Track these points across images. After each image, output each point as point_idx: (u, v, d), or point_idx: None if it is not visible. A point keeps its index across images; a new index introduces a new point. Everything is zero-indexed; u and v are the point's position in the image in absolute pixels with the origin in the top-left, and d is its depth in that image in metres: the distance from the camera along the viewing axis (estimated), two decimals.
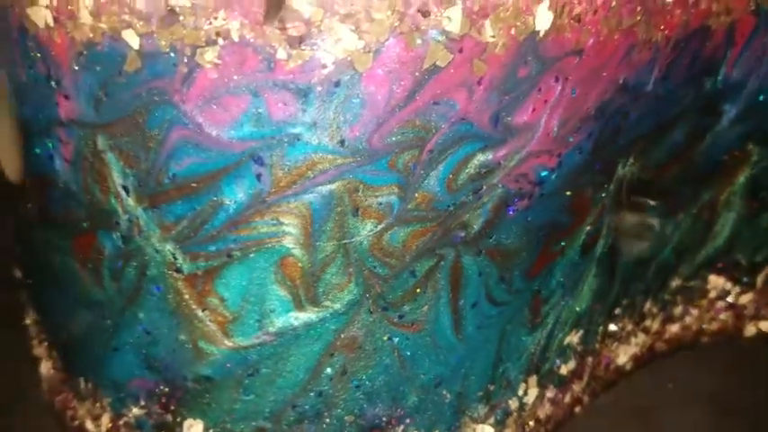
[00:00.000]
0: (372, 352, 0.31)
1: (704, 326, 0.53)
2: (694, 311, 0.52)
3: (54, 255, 0.32)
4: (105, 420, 0.35)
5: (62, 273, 0.32)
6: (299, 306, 0.29)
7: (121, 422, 0.34)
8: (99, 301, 0.31)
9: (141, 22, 0.23)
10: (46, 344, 0.40)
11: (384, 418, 0.33)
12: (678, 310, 0.52)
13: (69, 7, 0.24)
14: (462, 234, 0.29)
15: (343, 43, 0.23)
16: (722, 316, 0.53)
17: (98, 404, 0.35)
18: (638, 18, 0.30)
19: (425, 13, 0.23)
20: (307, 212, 0.26)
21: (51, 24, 0.25)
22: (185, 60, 0.23)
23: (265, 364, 0.30)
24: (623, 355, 0.49)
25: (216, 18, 0.22)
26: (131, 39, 0.23)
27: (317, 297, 0.29)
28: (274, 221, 0.27)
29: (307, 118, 0.24)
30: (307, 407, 0.31)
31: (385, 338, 0.30)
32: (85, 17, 0.24)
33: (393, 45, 0.23)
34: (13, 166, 0.37)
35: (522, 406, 0.39)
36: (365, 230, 0.27)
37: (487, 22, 0.24)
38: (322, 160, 0.25)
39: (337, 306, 0.29)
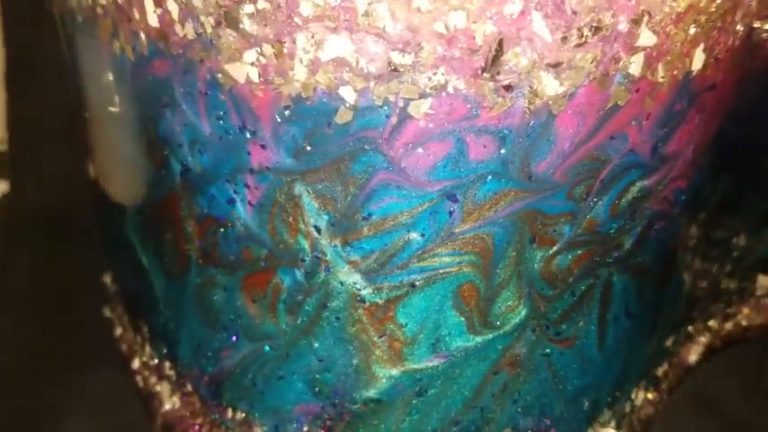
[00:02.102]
0: (531, 368, 0.33)
1: (751, 322, 0.57)
2: (745, 309, 0.56)
3: (215, 293, 0.34)
4: None
5: (222, 310, 0.34)
6: (472, 329, 0.31)
7: None
8: (268, 334, 0.33)
9: (359, 79, 0.25)
10: (173, 378, 0.41)
11: (532, 429, 0.35)
12: (733, 309, 0.56)
13: (282, 65, 0.26)
14: (616, 254, 0.32)
15: (546, 89, 0.25)
16: (765, 312, 0.57)
17: None
18: (747, 54, 0.33)
19: (617, 60, 0.26)
20: (489, 242, 0.29)
21: (255, 80, 0.27)
22: (397, 112, 0.26)
23: (434, 384, 0.32)
24: (694, 354, 0.53)
25: (435, 74, 0.24)
26: (348, 95, 0.25)
27: (489, 320, 0.31)
28: (459, 252, 0.29)
29: (502, 158, 0.27)
30: (468, 423, 0.33)
31: (542, 355, 0.33)
32: (300, 74, 0.26)
33: (585, 89, 0.26)
34: (129, 198, 0.39)
35: (633, 409, 0.42)
36: (538, 256, 0.30)
37: (660, 65, 0.27)
38: (509, 194, 0.28)
39: (506, 327, 0.31)
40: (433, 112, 0.25)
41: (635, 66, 0.26)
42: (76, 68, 0.40)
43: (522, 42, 0.24)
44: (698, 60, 0.28)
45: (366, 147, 0.26)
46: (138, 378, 0.47)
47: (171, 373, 0.41)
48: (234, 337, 0.34)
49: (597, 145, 0.28)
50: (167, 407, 0.42)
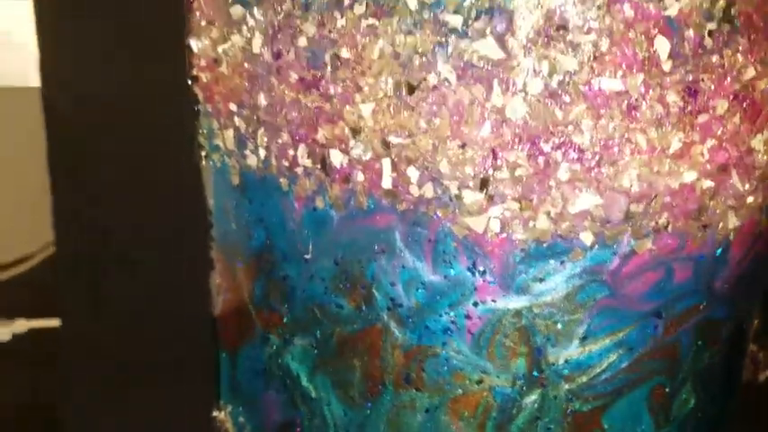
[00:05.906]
0: None
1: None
2: None
3: (414, 415, 0.37)
4: None
5: (420, 430, 0.37)
6: (657, 425, 0.36)
7: None
8: None
9: (597, 225, 0.31)
10: None
11: None
12: None
13: (526, 218, 0.31)
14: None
15: (729, 225, 0.32)
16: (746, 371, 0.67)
17: None
18: None
19: (765, 198, 0.33)
20: (679, 349, 0.35)
21: (496, 231, 0.32)
22: (624, 250, 0.32)
23: None
24: None
25: (660, 218, 0.31)
26: (586, 239, 0.31)
27: (670, 415, 0.36)
28: (657, 360, 0.34)
29: (696, 279, 0.33)
30: None
31: None
32: (542, 224, 0.31)
33: (748, 222, 0.33)
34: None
35: None
36: (706, 356, 0.36)
37: None
38: (697, 308, 0.34)
39: (680, 420, 0.37)
40: (654, 248, 0.32)
41: None
42: (229, 220, 0.43)
43: (722, 192, 0.31)
44: None
45: (594, 279, 0.32)
46: None
47: None
48: None
49: (749, 263, 0.35)
50: None
